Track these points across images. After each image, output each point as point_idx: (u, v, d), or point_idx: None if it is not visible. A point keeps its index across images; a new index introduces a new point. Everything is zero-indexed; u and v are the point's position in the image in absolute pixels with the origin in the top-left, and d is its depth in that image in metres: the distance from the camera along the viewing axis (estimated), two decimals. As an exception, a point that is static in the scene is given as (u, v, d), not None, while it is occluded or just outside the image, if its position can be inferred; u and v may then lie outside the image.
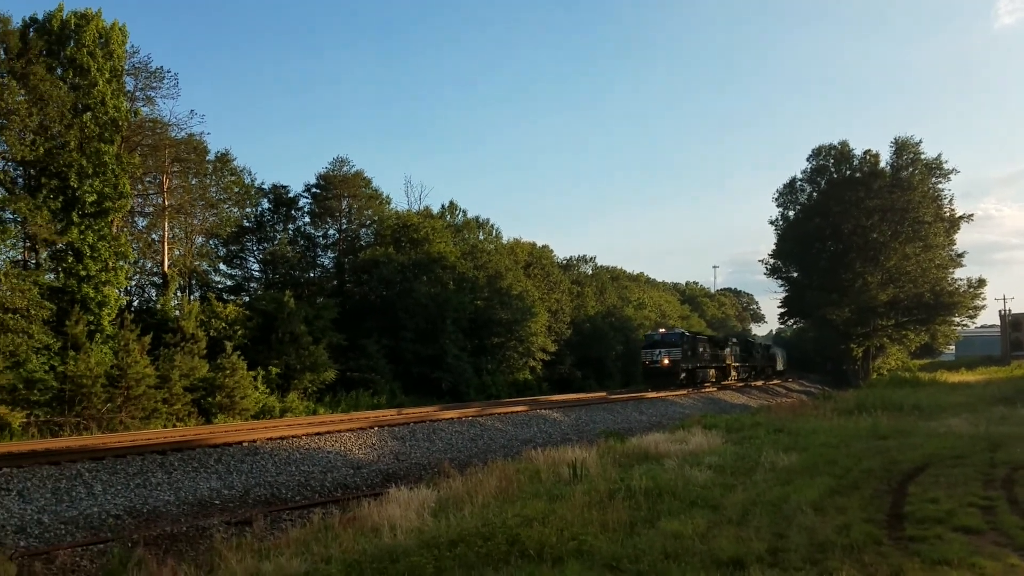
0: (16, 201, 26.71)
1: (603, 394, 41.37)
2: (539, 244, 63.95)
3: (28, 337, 25.20)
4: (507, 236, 60.90)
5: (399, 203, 68.94)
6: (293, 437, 18.24)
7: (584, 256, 74.63)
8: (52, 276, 28.52)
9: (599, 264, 77.16)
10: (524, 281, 53.05)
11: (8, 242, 27.74)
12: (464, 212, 57.62)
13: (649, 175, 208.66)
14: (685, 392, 42.37)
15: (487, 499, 10.86)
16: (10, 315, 24.64)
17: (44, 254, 29.30)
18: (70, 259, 28.72)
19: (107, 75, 30.13)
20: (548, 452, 15.96)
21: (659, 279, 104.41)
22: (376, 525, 9.44)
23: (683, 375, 44.42)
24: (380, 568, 7.38)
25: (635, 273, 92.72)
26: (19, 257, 28.98)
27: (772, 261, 72.02)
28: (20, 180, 28.79)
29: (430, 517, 9.67)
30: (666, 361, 44.19)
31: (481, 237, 57.22)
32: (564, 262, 70.44)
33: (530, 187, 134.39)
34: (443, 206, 57.42)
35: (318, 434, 18.88)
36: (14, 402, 23.96)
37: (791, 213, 70.40)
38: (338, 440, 18.76)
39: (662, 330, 51.03)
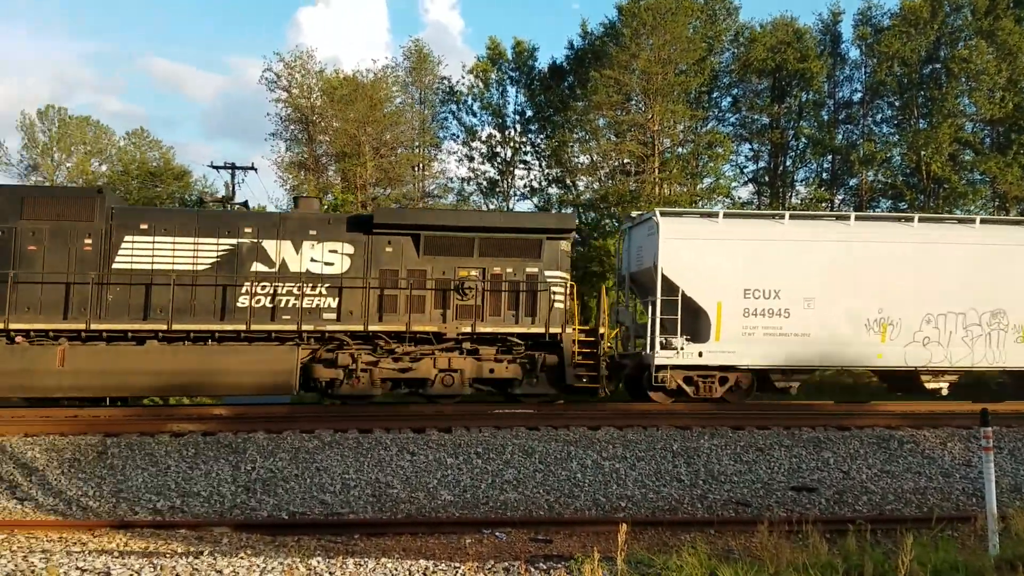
0: (985, 161, 26.96)
1: None
2: None
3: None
4: None
5: None
6: None
7: None
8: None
9: None
10: None
11: (979, 202, 28.39)
12: None
13: None
14: None
15: None
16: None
17: (1013, 211, 28.86)
18: (1040, 213, 27.51)
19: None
20: None
21: None
22: None
23: None
24: None
25: None
26: (987, 216, 29.25)
27: None
28: (987, 140, 28.95)
29: None
30: None
31: None
32: None
33: None
34: None
35: None
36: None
37: None
38: None
39: None
